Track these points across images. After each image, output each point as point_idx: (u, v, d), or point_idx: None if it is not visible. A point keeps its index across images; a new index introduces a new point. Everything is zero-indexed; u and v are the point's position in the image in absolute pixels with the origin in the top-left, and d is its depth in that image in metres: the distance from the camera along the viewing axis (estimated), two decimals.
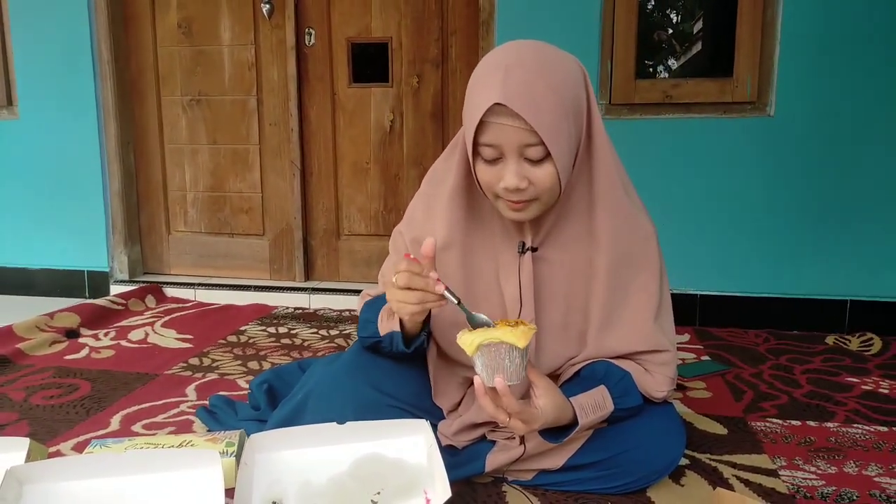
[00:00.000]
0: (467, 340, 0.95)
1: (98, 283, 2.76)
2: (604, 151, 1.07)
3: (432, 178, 1.19)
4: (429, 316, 1.11)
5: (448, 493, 0.97)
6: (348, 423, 1.08)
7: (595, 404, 1.04)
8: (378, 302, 1.18)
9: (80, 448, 1.36)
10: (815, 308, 2.26)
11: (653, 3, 2.34)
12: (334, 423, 1.08)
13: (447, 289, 0.99)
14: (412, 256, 1.02)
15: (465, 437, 1.19)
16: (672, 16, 2.40)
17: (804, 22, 2.15)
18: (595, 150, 1.07)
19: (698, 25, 2.42)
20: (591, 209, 1.10)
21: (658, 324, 1.13)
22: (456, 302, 0.99)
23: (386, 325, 1.12)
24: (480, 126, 0.98)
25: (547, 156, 0.98)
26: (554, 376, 1.17)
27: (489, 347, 0.93)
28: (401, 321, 1.09)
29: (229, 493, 1.02)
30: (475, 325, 0.98)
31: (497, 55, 1.00)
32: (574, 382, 1.12)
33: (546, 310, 1.13)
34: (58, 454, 1.33)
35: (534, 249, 1.12)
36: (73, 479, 0.95)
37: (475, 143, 1.00)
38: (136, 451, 1.10)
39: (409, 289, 0.98)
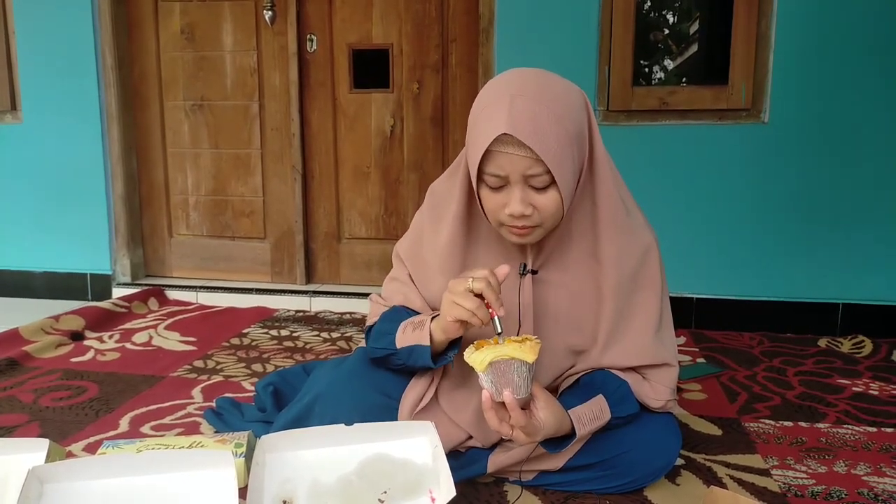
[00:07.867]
0: (478, 359, 0.97)
1: (100, 286, 2.78)
2: (606, 174, 1.10)
3: (433, 200, 1.21)
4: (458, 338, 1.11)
5: (452, 493, 1.00)
6: (356, 425, 1.11)
7: (593, 415, 1.07)
8: (396, 315, 1.18)
9: (91, 449, 1.39)
10: (808, 311, 2.30)
11: (649, 3, 2.37)
12: (342, 425, 1.11)
13: (500, 318, 1.01)
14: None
15: (468, 443, 1.22)
16: (668, 16, 2.43)
17: (797, 33, 2.20)
18: (597, 173, 1.10)
19: (694, 26, 2.45)
20: (595, 231, 1.12)
21: (658, 337, 1.15)
22: (499, 332, 1.01)
23: (410, 336, 1.12)
24: (486, 155, 1.00)
25: (552, 183, 1.00)
26: (552, 388, 1.20)
27: (499, 364, 0.96)
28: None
29: (240, 492, 1.05)
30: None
31: (500, 84, 1.02)
32: (573, 391, 1.15)
33: (546, 331, 1.14)
34: (70, 455, 1.35)
35: (534, 272, 1.13)
36: (92, 479, 0.98)
37: (480, 171, 1.03)
38: (150, 451, 1.14)
39: (473, 294, 1.00)
